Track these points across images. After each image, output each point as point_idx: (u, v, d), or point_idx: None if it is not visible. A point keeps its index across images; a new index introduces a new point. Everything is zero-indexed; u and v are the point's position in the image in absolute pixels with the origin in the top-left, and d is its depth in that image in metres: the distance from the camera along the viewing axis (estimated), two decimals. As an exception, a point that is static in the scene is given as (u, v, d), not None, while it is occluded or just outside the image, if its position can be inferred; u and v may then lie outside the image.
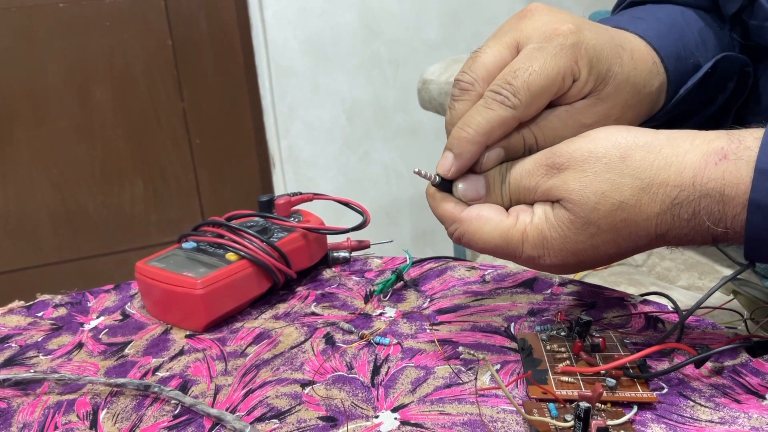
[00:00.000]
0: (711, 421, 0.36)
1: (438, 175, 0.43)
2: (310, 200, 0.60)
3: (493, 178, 0.43)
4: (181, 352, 0.48)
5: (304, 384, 0.43)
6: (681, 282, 0.89)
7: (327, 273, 0.59)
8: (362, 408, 0.40)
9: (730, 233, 0.37)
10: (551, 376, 0.40)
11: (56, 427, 0.41)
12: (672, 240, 0.39)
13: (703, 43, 0.51)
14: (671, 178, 0.37)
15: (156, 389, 0.43)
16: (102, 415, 0.41)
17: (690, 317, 0.42)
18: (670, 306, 0.48)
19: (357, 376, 0.43)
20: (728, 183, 0.36)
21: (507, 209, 0.42)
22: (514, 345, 0.46)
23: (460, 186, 0.43)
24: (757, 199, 0.35)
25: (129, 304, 0.56)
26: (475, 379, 0.42)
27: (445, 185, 0.43)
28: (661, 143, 0.38)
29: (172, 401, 0.42)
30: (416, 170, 0.43)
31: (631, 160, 0.38)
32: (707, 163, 0.37)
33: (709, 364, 0.41)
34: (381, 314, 0.51)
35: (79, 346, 0.50)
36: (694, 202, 0.37)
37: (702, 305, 0.40)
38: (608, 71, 0.43)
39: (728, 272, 0.90)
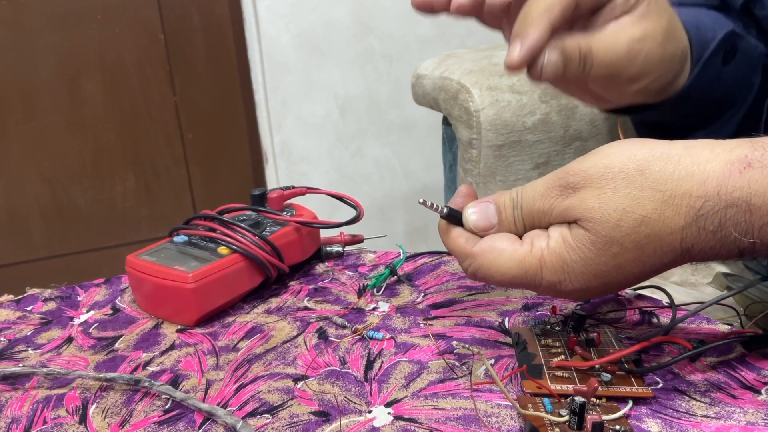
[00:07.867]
0: (706, 416, 0.36)
1: (446, 206, 0.41)
2: (303, 194, 0.59)
3: (504, 204, 0.41)
4: (172, 347, 0.48)
5: (297, 379, 0.43)
6: (674, 278, 0.89)
7: (320, 267, 0.59)
8: (355, 403, 0.40)
9: (758, 244, 0.36)
10: (546, 371, 0.40)
11: (45, 422, 0.40)
12: (697, 254, 0.37)
13: (719, 27, 0.52)
14: (694, 188, 0.36)
15: (146, 384, 0.42)
16: (91, 409, 0.41)
17: (685, 311, 0.42)
18: (665, 301, 0.47)
19: (350, 370, 0.43)
20: (754, 192, 0.35)
21: (521, 237, 0.41)
22: (508, 340, 0.45)
23: (470, 217, 0.41)
24: None
25: (119, 298, 0.56)
26: (470, 373, 0.42)
27: (453, 217, 0.42)
28: (679, 153, 0.37)
29: (163, 396, 0.42)
30: (421, 201, 0.41)
31: (650, 172, 0.36)
32: (731, 172, 0.35)
33: (704, 359, 0.41)
34: (374, 309, 0.51)
35: (69, 340, 0.50)
36: (719, 213, 0.35)
37: (695, 300, 0.40)
38: None
39: (721, 268, 0.90)
